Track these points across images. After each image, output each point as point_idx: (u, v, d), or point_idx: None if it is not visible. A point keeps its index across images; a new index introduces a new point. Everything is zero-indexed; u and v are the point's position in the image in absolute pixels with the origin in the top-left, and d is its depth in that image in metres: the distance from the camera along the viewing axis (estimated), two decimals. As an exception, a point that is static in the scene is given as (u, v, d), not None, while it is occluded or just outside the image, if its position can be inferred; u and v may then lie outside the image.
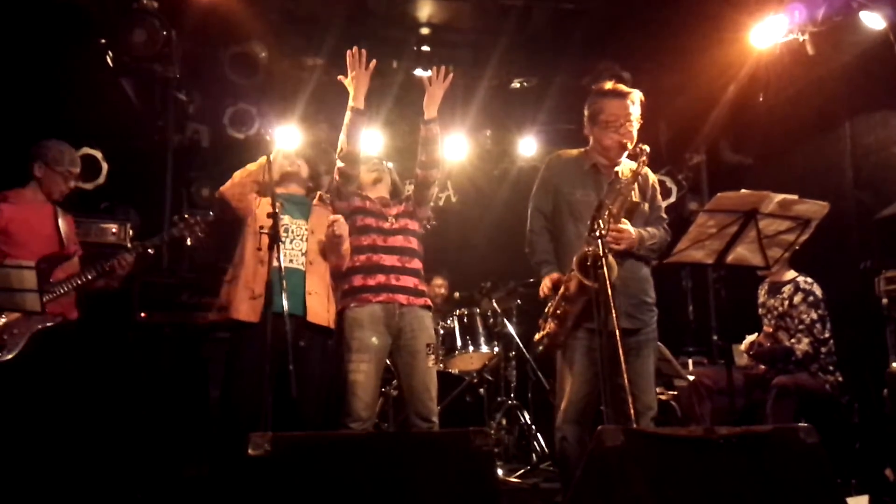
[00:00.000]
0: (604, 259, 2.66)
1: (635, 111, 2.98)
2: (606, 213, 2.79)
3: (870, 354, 4.04)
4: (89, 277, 3.42)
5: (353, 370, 3.11)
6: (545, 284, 2.98)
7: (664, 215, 3.13)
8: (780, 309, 4.01)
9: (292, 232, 3.32)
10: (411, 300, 3.23)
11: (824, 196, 2.75)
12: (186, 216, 3.59)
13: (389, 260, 3.25)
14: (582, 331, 2.91)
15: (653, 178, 3.11)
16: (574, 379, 2.90)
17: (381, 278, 3.22)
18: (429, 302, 3.33)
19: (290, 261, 3.24)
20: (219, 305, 3.22)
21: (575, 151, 3.14)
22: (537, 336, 3.02)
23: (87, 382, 3.73)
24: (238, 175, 3.30)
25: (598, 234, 2.69)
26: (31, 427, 3.24)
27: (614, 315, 2.52)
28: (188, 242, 3.61)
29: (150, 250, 3.53)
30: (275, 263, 2.84)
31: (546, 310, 2.99)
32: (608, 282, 2.58)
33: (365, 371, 3.11)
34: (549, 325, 2.94)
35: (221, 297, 3.22)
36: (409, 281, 3.25)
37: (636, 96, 3.01)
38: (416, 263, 3.33)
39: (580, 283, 2.73)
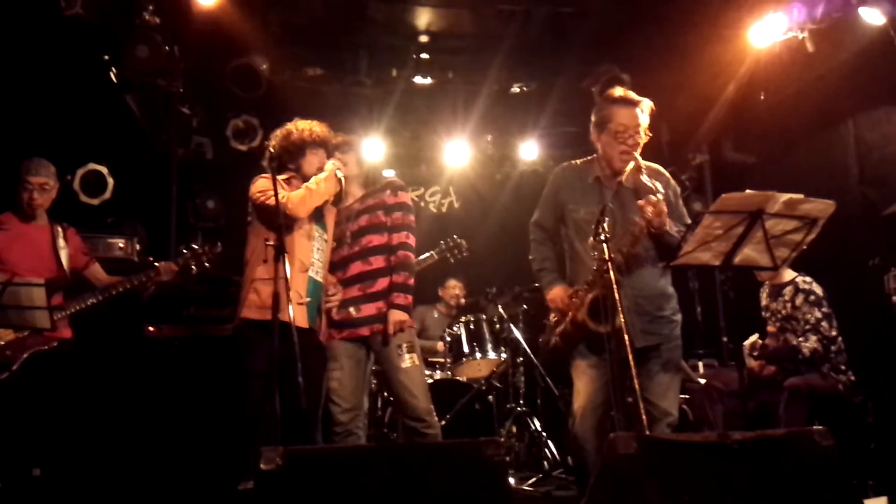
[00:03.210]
0: (610, 263, 2.66)
1: (644, 120, 2.95)
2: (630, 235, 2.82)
3: (881, 353, 4.00)
4: (129, 286, 3.48)
5: (329, 378, 3.21)
6: (557, 298, 2.96)
7: (688, 221, 3.02)
8: (784, 312, 3.99)
9: (316, 240, 3.25)
10: (374, 329, 3.21)
11: (829, 194, 2.73)
12: (195, 246, 3.61)
13: (350, 292, 3.25)
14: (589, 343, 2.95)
15: (673, 185, 3.04)
16: (586, 387, 2.91)
17: (343, 313, 3.25)
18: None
19: (316, 272, 3.21)
20: (259, 304, 3.02)
21: (579, 162, 3.11)
22: (541, 340, 3.04)
23: (99, 400, 3.74)
24: (312, 197, 3.11)
25: (602, 237, 2.69)
26: (25, 447, 3.23)
27: (624, 324, 2.51)
28: (193, 272, 3.61)
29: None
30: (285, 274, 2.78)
31: (551, 319, 3.00)
32: (615, 288, 2.58)
33: (337, 378, 3.20)
34: (555, 340, 2.96)
35: (259, 297, 3.03)
36: (371, 308, 3.21)
37: (646, 105, 2.97)
38: (383, 283, 3.23)
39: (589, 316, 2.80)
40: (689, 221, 3.00)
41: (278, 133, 3.32)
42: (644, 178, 2.83)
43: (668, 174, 3.03)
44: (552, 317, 3.03)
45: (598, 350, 2.85)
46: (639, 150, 2.94)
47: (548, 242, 3.11)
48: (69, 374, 3.43)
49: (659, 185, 2.80)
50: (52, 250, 3.51)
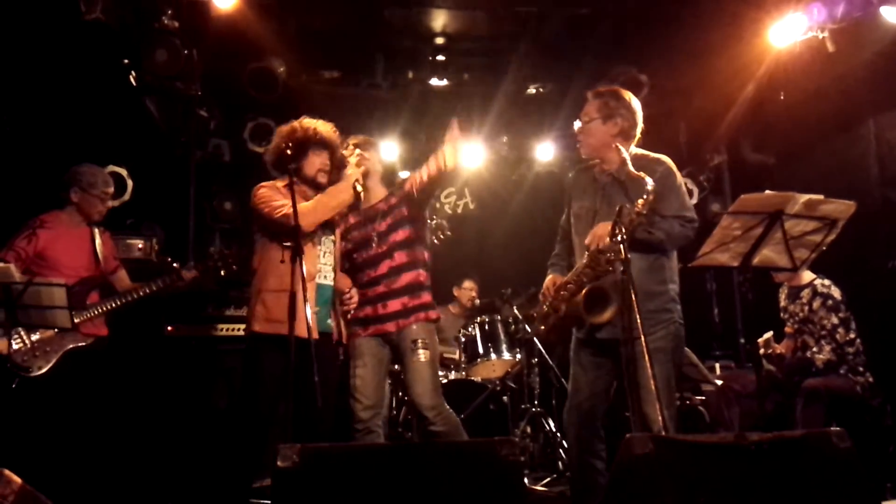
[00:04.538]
0: (626, 264, 2.65)
1: (589, 113, 3.04)
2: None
3: (901, 355, 3.96)
4: (154, 289, 3.56)
5: (351, 375, 3.23)
6: (546, 287, 3.08)
7: (686, 213, 2.92)
8: (802, 314, 3.95)
9: (322, 244, 3.23)
10: (401, 324, 3.21)
11: (850, 194, 2.71)
12: (224, 251, 3.66)
13: (376, 290, 3.25)
14: (576, 339, 3.04)
15: (670, 174, 2.95)
16: (573, 383, 3.02)
17: (368, 310, 3.25)
18: (427, 315, 3.24)
19: (325, 276, 3.20)
20: (271, 318, 3.01)
21: (593, 161, 3.16)
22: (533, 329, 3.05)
23: (124, 397, 3.80)
24: (320, 210, 3.08)
25: (619, 238, 2.68)
26: (61, 442, 3.29)
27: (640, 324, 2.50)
28: (222, 273, 3.66)
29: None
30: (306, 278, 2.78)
31: (539, 311, 3.11)
32: (633, 290, 2.58)
33: (360, 375, 3.21)
34: (543, 328, 3.10)
35: (266, 308, 3.03)
36: (396, 304, 3.21)
37: (598, 95, 3.05)
38: (406, 278, 3.23)
39: (568, 308, 2.91)
40: (687, 213, 2.93)
41: (283, 130, 3.24)
42: (630, 168, 2.81)
43: (667, 163, 2.98)
44: (541, 308, 3.11)
45: (588, 346, 2.95)
46: (592, 140, 3.02)
47: (564, 241, 3.19)
48: (103, 372, 3.51)
49: (648, 178, 2.74)
50: (92, 249, 3.63)
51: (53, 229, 3.52)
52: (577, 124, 3.10)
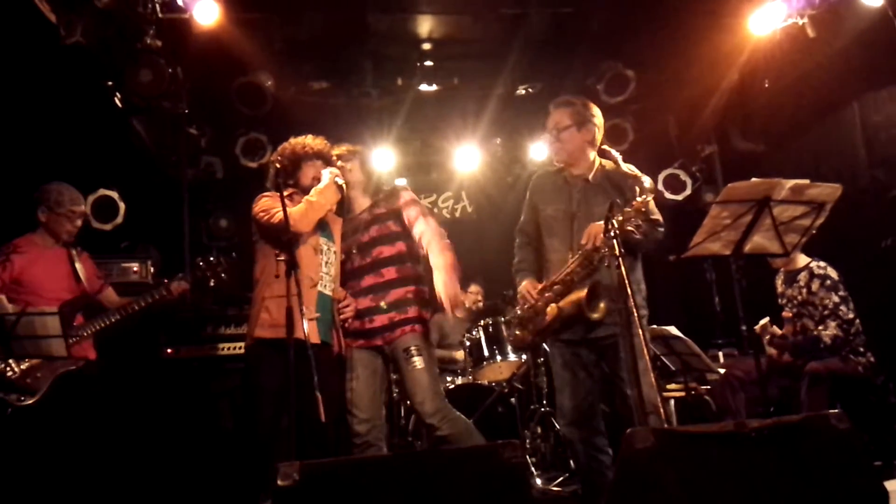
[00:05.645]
0: (621, 260, 2.66)
1: (562, 120, 3.09)
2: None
3: (898, 333, 3.97)
4: (143, 304, 3.52)
5: (346, 389, 3.22)
6: (527, 290, 3.08)
7: (654, 217, 3.01)
8: (800, 297, 3.96)
9: (324, 253, 3.24)
10: (387, 337, 3.21)
11: (839, 177, 2.74)
12: (211, 259, 3.63)
13: (363, 303, 3.25)
14: (559, 342, 3.05)
15: (648, 182, 2.94)
16: (560, 387, 3.03)
17: (356, 324, 3.26)
18: (413, 328, 3.21)
19: (325, 286, 3.20)
20: (276, 323, 2.99)
21: (555, 167, 3.22)
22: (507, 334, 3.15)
23: (124, 423, 3.77)
24: (313, 209, 3.11)
25: (612, 234, 2.70)
26: (60, 471, 3.25)
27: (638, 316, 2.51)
28: (211, 283, 3.62)
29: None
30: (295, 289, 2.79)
31: (516, 314, 3.14)
32: (629, 287, 2.59)
33: (354, 388, 3.21)
34: (522, 333, 3.11)
35: (271, 315, 3.04)
36: (383, 319, 3.21)
37: (568, 104, 3.11)
38: (395, 294, 3.23)
39: (559, 312, 2.92)
40: (655, 216, 3.00)
41: (275, 154, 3.36)
42: (623, 167, 2.87)
43: (639, 176, 2.98)
44: (519, 310, 3.14)
45: (564, 331, 2.98)
46: (565, 149, 3.08)
47: (528, 247, 3.24)
48: (95, 395, 3.47)
49: (646, 177, 2.79)
50: (72, 271, 3.57)
51: (27, 253, 3.45)
52: (549, 135, 3.15)
